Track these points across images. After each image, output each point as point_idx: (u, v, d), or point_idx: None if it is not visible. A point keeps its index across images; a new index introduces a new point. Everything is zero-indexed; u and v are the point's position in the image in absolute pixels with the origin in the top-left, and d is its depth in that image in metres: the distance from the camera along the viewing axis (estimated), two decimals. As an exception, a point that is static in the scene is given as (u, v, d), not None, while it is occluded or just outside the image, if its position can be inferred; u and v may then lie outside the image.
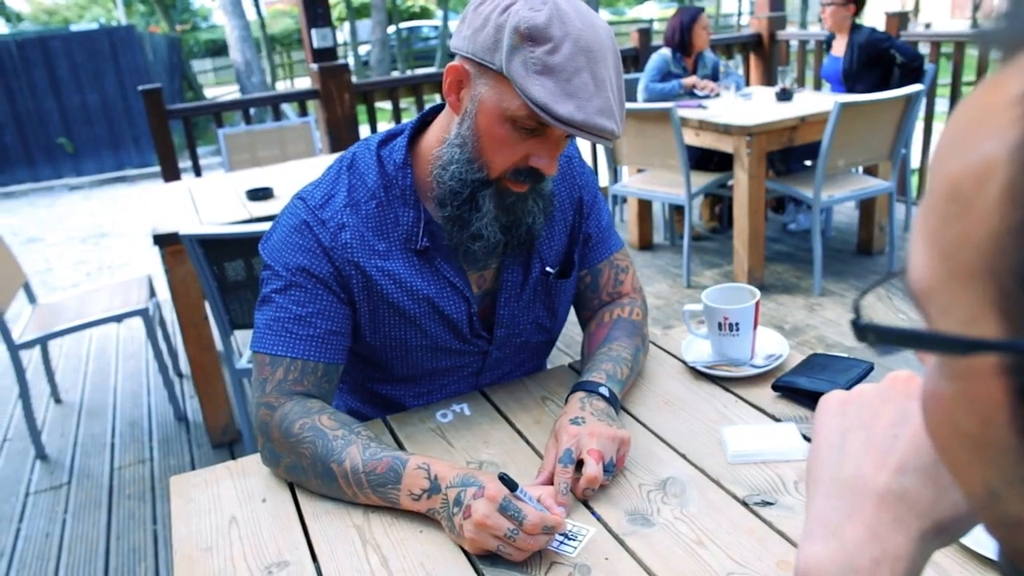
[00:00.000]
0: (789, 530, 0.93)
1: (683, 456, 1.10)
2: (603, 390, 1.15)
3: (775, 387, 1.22)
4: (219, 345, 2.98)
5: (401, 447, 1.18)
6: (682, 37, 4.49)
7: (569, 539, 0.94)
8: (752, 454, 1.06)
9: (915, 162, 4.78)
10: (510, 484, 0.92)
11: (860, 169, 4.04)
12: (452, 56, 1.11)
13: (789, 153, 4.20)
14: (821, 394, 1.15)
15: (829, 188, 3.68)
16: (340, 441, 1.06)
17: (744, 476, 1.04)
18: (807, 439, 1.09)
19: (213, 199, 3.04)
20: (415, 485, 1.00)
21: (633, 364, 1.25)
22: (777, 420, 1.16)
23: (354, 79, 4.46)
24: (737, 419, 1.17)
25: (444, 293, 1.22)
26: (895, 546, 0.46)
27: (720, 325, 1.27)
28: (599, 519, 0.98)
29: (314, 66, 4.37)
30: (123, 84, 10.86)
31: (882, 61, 4.17)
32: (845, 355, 1.25)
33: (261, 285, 1.20)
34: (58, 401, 3.46)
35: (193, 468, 2.83)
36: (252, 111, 5.15)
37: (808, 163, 4.51)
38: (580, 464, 1.03)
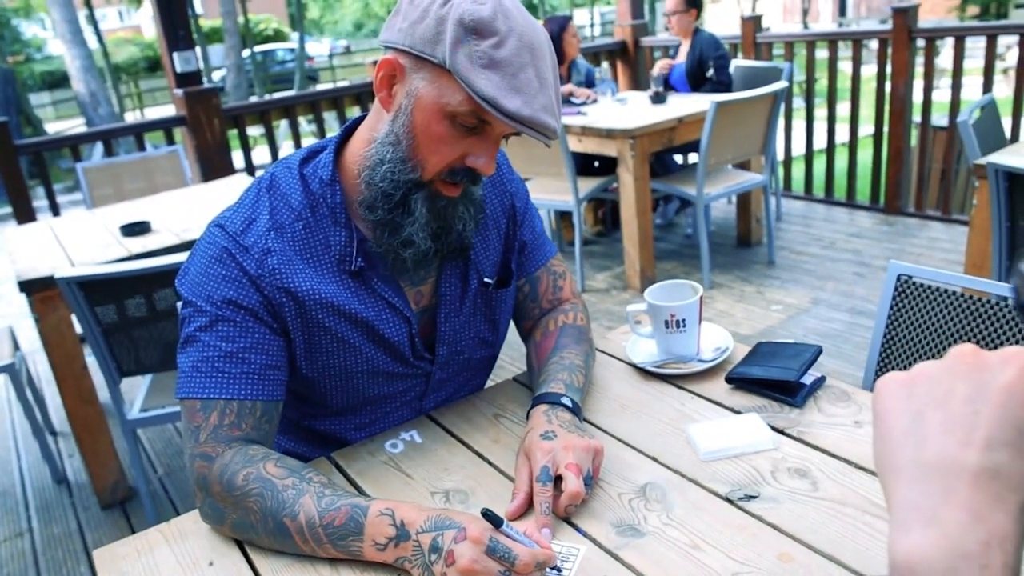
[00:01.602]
0: (779, 521, 0.91)
1: (654, 459, 1.07)
2: (565, 400, 1.11)
3: (729, 379, 1.21)
4: (102, 396, 2.74)
5: (354, 485, 1.09)
6: (553, 46, 4.54)
7: (562, 561, 0.89)
8: (724, 450, 1.05)
9: (779, 155, 5.05)
10: (495, 520, 0.84)
11: (730, 165, 4.22)
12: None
13: (661, 152, 4.34)
14: (777, 382, 1.16)
15: (708, 185, 3.82)
16: (291, 492, 0.96)
17: (721, 472, 1.02)
18: (774, 429, 1.09)
19: (81, 238, 2.79)
20: (379, 534, 0.90)
21: (587, 371, 1.22)
22: (738, 412, 1.15)
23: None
24: (697, 415, 1.16)
25: (383, 315, 1.14)
26: (1000, 525, 0.44)
27: (667, 323, 1.26)
28: (585, 535, 0.93)
29: (178, 91, 4.13)
30: (-50, 122, 9.92)
31: (703, 67, 4.44)
32: (791, 341, 1.26)
33: (181, 325, 1.08)
34: (-90, 478, 3.07)
35: (82, 534, 2.58)
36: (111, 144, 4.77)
37: (679, 159, 4.69)
38: (557, 480, 0.98)
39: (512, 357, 3.29)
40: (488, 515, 0.84)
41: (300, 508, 0.94)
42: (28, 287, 2.31)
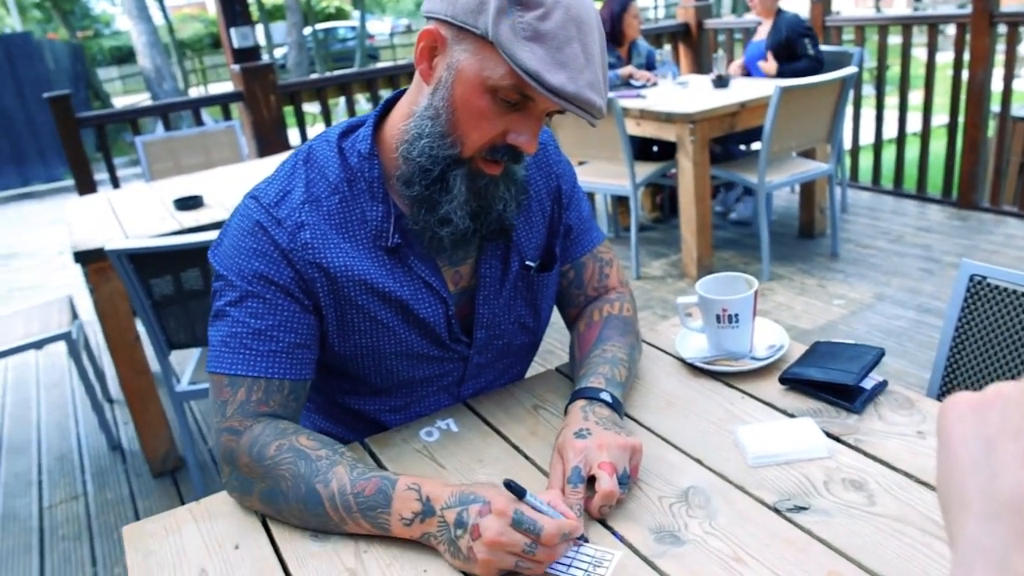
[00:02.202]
0: (830, 537, 0.85)
1: (699, 461, 1.01)
2: (605, 396, 1.05)
3: (783, 380, 1.15)
4: (154, 366, 2.78)
5: (386, 472, 1.06)
6: (613, 27, 4.45)
7: (595, 567, 0.84)
8: (774, 455, 0.98)
9: (846, 144, 4.86)
10: (517, 491, 0.84)
11: (794, 153, 4.07)
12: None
13: (726, 139, 4.21)
14: (835, 385, 1.09)
15: (771, 173, 3.69)
16: (324, 461, 0.95)
17: (769, 479, 0.96)
18: (829, 435, 1.02)
19: (137, 211, 2.83)
20: (406, 508, 0.89)
21: (631, 364, 1.16)
22: (791, 415, 1.08)
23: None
24: (747, 417, 1.09)
25: (419, 295, 1.11)
26: None
27: (718, 317, 1.19)
28: (622, 540, 0.89)
29: (236, 67, 4.16)
30: (23, 95, 10.22)
31: (791, 47, 4.26)
32: (851, 342, 1.18)
33: (213, 298, 1.07)
34: (-26, 438, 3.18)
35: (133, 501, 2.63)
36: (170, 118, 4.86)
37: (743, 147, 4.53)
38: (591, 480, 0.94)
39: (563, 341, 3.24)
40: (510, 486, 0.84)
41: (333, 476, 0.93)
42: (82, 258, 2.34)
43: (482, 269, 1.15)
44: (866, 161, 5.00)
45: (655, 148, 4.42)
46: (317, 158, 1.09)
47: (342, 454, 0.97)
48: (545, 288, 1.23)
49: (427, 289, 1.11)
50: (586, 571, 0.84)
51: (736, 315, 1.18)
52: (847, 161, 4.89)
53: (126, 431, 3.07)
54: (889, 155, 4.80)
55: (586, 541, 0.87)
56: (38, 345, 2.79)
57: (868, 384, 1.10)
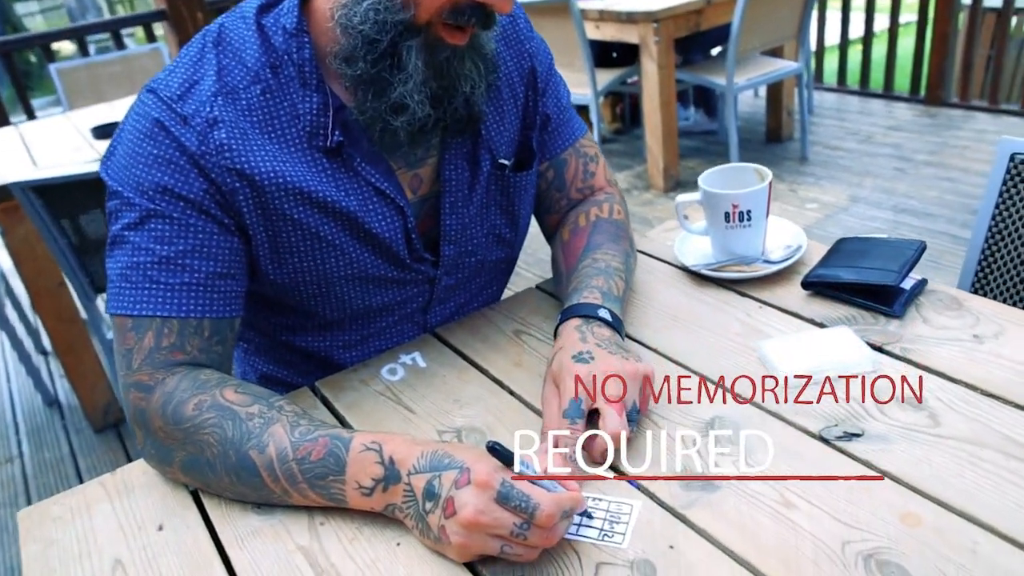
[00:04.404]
0: (896, 468, 0.69)
1: (720, 385, 0.84)
2: (603, 313, 0.87)
3: (806, 284, 0.98)
4: (84, 313, 2.53)
5: (342, 423, 0.88)
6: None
7: (612, 523, 0.68)
8: (810, 372, 0.82)
9: (811, 44, 4.66)
10: (504, 456, 0.65)
11: (759, 53, 3.86)
12: None
13: (688, 43, 3.97)
14: (870, 287, 0.92)
15: (739, 74, 3.48)
16: (258, 420, 0.75)
17: (809, 403, 0.79)
18: (872, 347, 0.86)
19: (51, 143, 2.54)
20: (364, 474, 0.70)
21: (627, 275, 0.98)
22: (821, 325, 0.92)
23: (205, -5, 3.89)
24: (769, 329, 0.93)
25: (369, 204, 0.90)
26: None
27: (728, 215, 1.01)
28: (639, 488, 0.72)
29: (156, -18, 3.77)
30: (-68, 32, 9.47)
31: None
32: (882, 236, 1.02)
33: (109, 221, 0.85)
34: None
35: (74, 459, 2.42)
36: (91, 47, 4.43)
37: (716, 51, 4.30)
38: (592, 414, 0.76)
39: (528, 263, 3.06)
40: (496, 449, 0.65)
41: (269, 438, 0.73)
42: (-13, 196, 2.07)
43: (446, 171, 0.95)
44: (831, 62, 4.82)
45: (615, 54, 4.17)
46: (231, 39, 0.86)
47: (280, 408, 0.77)
48: (523, 191, 1.03)
49: (379, 197, 0.90)
50: (601, 529, 0.67)
51: (748, 212, 1.01)
52: (812, 62, 4.70)
53: (62, 385, 2.83)
54: (855, 55, 4.62)
55: (590, 517, 0.69)
56: (-49, 297, 2.52)
57: (907, 284, 0.93)
